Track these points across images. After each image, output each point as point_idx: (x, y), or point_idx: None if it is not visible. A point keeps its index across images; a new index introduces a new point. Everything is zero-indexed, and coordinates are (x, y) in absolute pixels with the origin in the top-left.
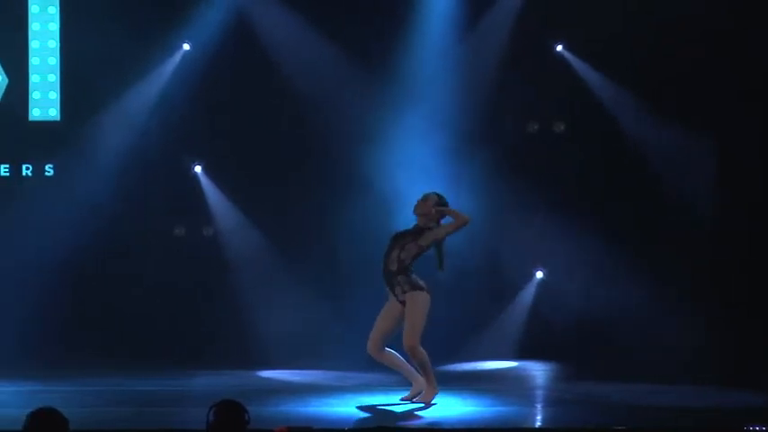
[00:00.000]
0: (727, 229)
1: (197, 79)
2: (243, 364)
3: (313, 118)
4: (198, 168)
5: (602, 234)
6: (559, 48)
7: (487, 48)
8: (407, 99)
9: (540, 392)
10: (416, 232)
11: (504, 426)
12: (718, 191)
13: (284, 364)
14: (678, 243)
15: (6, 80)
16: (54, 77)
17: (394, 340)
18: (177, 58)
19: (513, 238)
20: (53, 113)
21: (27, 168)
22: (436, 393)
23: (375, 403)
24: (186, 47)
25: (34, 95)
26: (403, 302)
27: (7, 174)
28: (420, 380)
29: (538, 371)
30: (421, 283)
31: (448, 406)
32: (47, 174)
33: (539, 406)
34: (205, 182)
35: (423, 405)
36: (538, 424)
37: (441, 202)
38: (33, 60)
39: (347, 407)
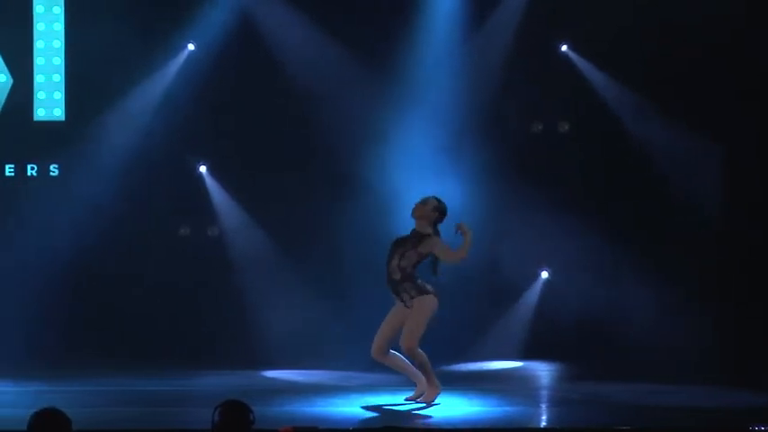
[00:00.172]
0: (734, 230)
1: (201, 79)
2: (247, 365)
3: (317, 118)
4: (203, 168)
5: (607, 234)
6: (564, 48)
7: (492, 48)
8: (411, 99)
9: (545, 392)
10: (415, 239)
11: (510, 426)
12: (724, 191)
13: (289, 364)
14: (684, 243)
15: (11, 80)
16: (59, 77)
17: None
18: (182, 58)
19: (517, 239)
20: (58, 113)
21: (32, 168)
22: (438, 393)
23: (380, 403)
24: (191, 47)
25: (39, 95)
26: (411, 308)
27: (12, 174)
28: (423, 380)
29: (543, 371)
30: (428, 287)
31: (453, 406)
32: (51, 174)
33: (544, 406)
34: (210, 182)
35: (425, 405)
36: (543, 424)
37: (440, 206)
38: (38, 60)
39: (352, 407)
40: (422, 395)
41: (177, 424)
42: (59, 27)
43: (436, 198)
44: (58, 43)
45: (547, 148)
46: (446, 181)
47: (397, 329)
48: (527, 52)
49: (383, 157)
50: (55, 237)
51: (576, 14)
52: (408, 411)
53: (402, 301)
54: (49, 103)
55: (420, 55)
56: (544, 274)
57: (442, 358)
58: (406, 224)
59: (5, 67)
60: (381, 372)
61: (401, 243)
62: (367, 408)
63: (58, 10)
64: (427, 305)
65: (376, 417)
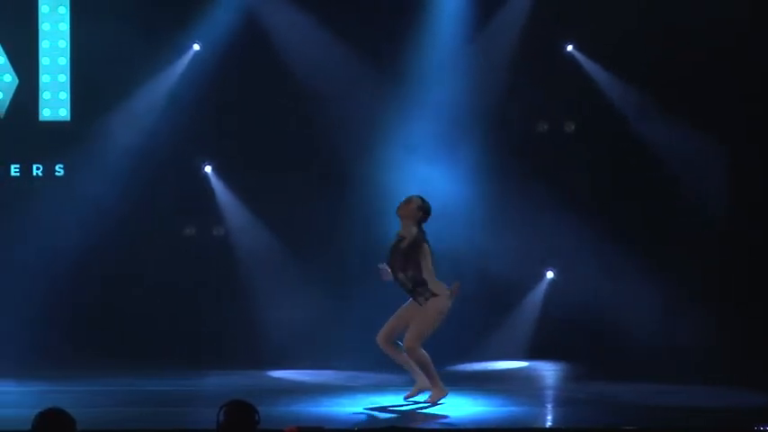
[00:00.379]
0: (738, 230)
1: (207, 80)
2: (253, 364)
3: (322, 118)
4: (208, 168)
5: (612, 234)
6: (569, 48)
7: (497, 48)
8: (416, 99)
9: (550, 392)
10: (408, 248)
11: (515, 426)
12: (728, 192)
13: (294, 363)
14: (689, 244)
15: (17, 80)
16: (64, 78)
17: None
18: (187, 58)
19: (522, 239)
20: (63, 114)
21: (37, 168)
22: (443, 393)
23: (386, 404)
24: (196, 47)
25: (44, 96)
26: (423, 306)
27: (18, 174)
28: (423, 378)
29: (548, 371)
30: (442, 287)
31: (459, 406)
32: (57, 174)
33: (549, 406)
34: (215, 182)
35: (430, 404)
36: (548, 424)
37: (424, 206)
38: (43, 61)
39: (358, 407)
40: (420, 393)
41: (182, 424)
42: (65, 27)
43: (420, 197)
44: (64, 43)
45: (552, 149)
46: (451, 181)
47: (406, 323)
48: (532, 53)
49: (387, 157)
50: (60, 236)
51: (581, 15)
52: (414, 411)
53: (418, 302)
54: (55, 103)
55: (425, 55)
56: (549, 274)
57: (447, 358)
58: None
59: (11, 68)
60: (387, 372)
61: (396, 256)
62: (373, 408)
63: (64, 10)
64: (437, 307)
65: (382, 417)
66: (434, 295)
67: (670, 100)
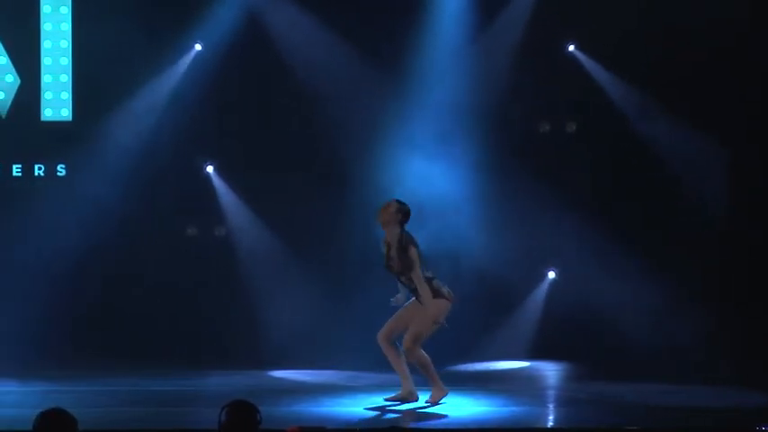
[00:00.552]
0: (738, 231)
1: (208, 79)
2: (254, 364)
3: (323, 118)
4: (210, 168)
5: (613, 234)
6: (571, 48)
7: (499, 48)
8: (418, 99)
9: (552, 392)
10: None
11: (517, 426)
12: (729, 192)
13: (296, 364)
14: (689, 243)
15: (18, 80)
16: (66, 78)
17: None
18: (189, 58)
19: (524, 239)
20: (65, 114)
21: (39, 168)
22: (444, 393)
23: (388, 404)
24: (198, 47)
25: (46, 96)
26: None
27: (19, 174)
28: (408, 384)
29: (550, 371)
30: (443, 290)
31: (460, 406)
32: (59, 174)
33: (551, 406)
34: (217, 182)
35: (431, 404)
36: (550, 424)
37: (402, 208)
38: (45, 60)
39: (360, 407)
40: (404, 399)
41: (184, 424)
42: (67, 27)
43: (397, 200)
44: (66, 43)
45: (553, 149)
46: (452, 181)
47: (406, 324)
48: (534, 53)
49: (389, 157)
50: (61, 236)
51: (582, 16)
52: (415, 411)
53: (420, 302)
54: (57, 103)
55: (426, 55)
56: (550, 274)
57: (448, 358)
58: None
59: (13, 68)
60: (389, 371)
61: (391, 263)
62: (374, 408)
63: (66, 10)
64: (437, 309)
65: (383, 417)
66: (436, 296)
67: (670, 101)
